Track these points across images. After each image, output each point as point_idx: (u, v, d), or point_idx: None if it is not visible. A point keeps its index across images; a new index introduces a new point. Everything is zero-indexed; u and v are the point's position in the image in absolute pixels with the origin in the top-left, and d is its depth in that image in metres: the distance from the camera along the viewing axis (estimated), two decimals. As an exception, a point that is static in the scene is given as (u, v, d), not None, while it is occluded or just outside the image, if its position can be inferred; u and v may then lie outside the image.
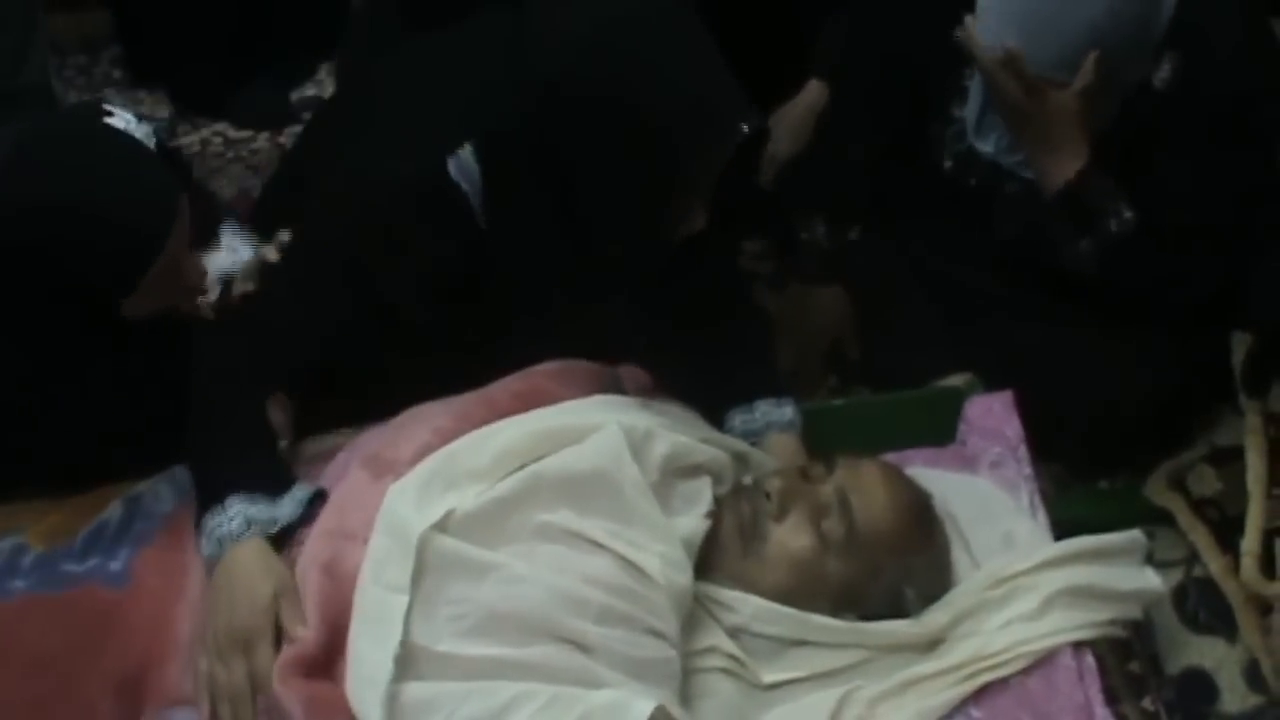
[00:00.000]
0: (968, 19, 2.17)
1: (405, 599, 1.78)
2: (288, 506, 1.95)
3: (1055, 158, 2.22)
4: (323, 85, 3.35)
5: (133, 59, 3.39)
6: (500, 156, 1.99)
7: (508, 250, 2.04)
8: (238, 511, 1.91)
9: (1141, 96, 2.25)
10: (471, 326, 2.10)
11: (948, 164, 2.44)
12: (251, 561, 1.89)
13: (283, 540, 1.94)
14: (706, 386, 2.20)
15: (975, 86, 2.33)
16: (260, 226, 2.22)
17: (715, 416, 2.18)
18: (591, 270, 2.07)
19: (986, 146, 2.35)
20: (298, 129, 3.16)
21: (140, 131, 2.02)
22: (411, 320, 2.07)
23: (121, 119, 2.02)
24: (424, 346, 2.10)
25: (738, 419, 2.18)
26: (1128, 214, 2.22)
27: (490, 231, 2.04)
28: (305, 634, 1.82)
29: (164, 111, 3.31)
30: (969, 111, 2.36)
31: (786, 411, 2.19)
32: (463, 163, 2.00)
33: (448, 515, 1.85)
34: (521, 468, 1.91)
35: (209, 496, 1.94)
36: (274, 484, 1.96)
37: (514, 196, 2.01)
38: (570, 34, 1.89)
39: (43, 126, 2.02)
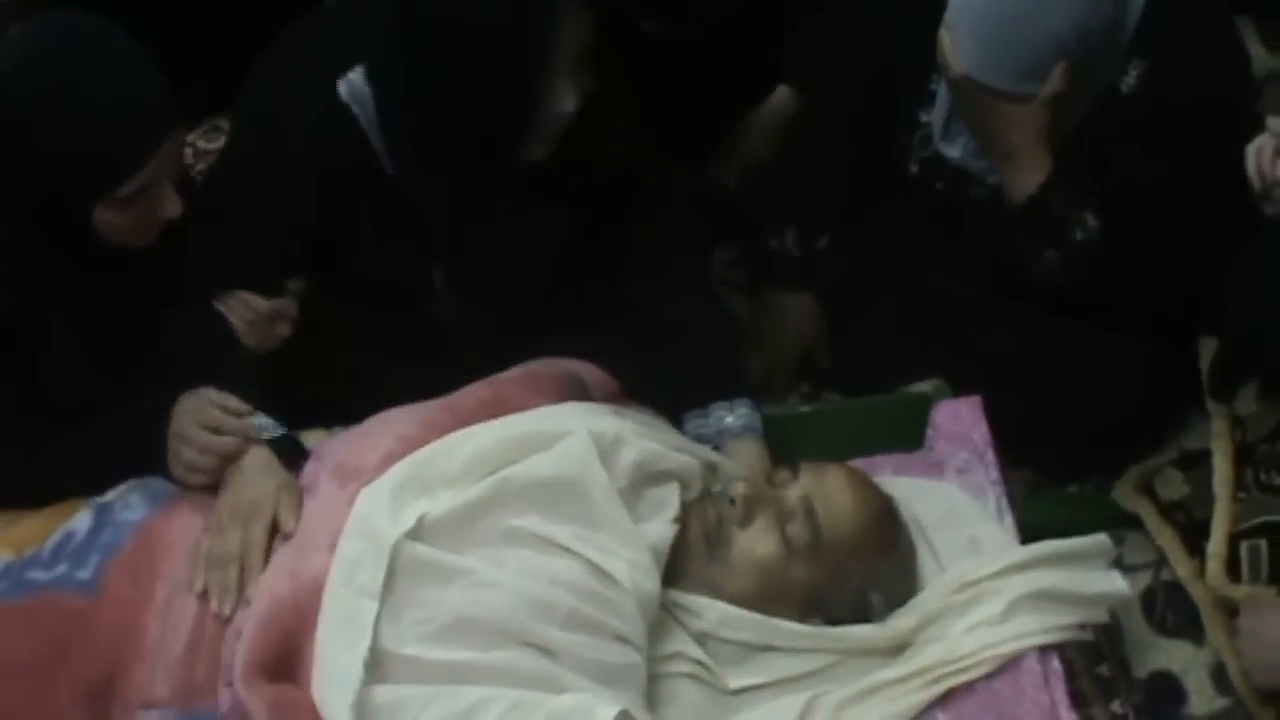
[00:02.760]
0: (941, 30, 2.18)
1: (376, 604, 1.80)
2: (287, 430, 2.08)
3: (1019, 170, 2.23)
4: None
5: None
6: (385, 73, 2.02)
7: (410, 172, 2.08)
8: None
9: (1108, 102, 2.26)
10: (397, 265, 2.15)
11: (914, 169, 2.44)
12: (259, 464, 2.02)
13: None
14: (665, 390, 2.22)
15: (942, 91, 2.34)
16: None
17: (674, 421, 2.19)
18: (492, 184, 2.08)
19: (953, 151, 2.36)
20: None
21: None
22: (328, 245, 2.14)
23: None
24: (357, 292, 2.18)
25: (692, 424, 2.19)
26: (1093, 222, 2.23)
27: (390, 154, 2.07)
28: (292, 527, 1.95)
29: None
30: (935, 116, 2.37)
31: (742, 414, 2.19)
32: (353, 85, 2.04)
33: (419, 521, 1.86)
34: (492, 473, 1.92)
35: None
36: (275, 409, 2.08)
37: (401, 111, 2.03)
38: None
39: (69, 17, 2.01)
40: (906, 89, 2.43)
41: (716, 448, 2.17)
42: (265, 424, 2.07)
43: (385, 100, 2.04)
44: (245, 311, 2.17)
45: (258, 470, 2.01)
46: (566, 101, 2.00)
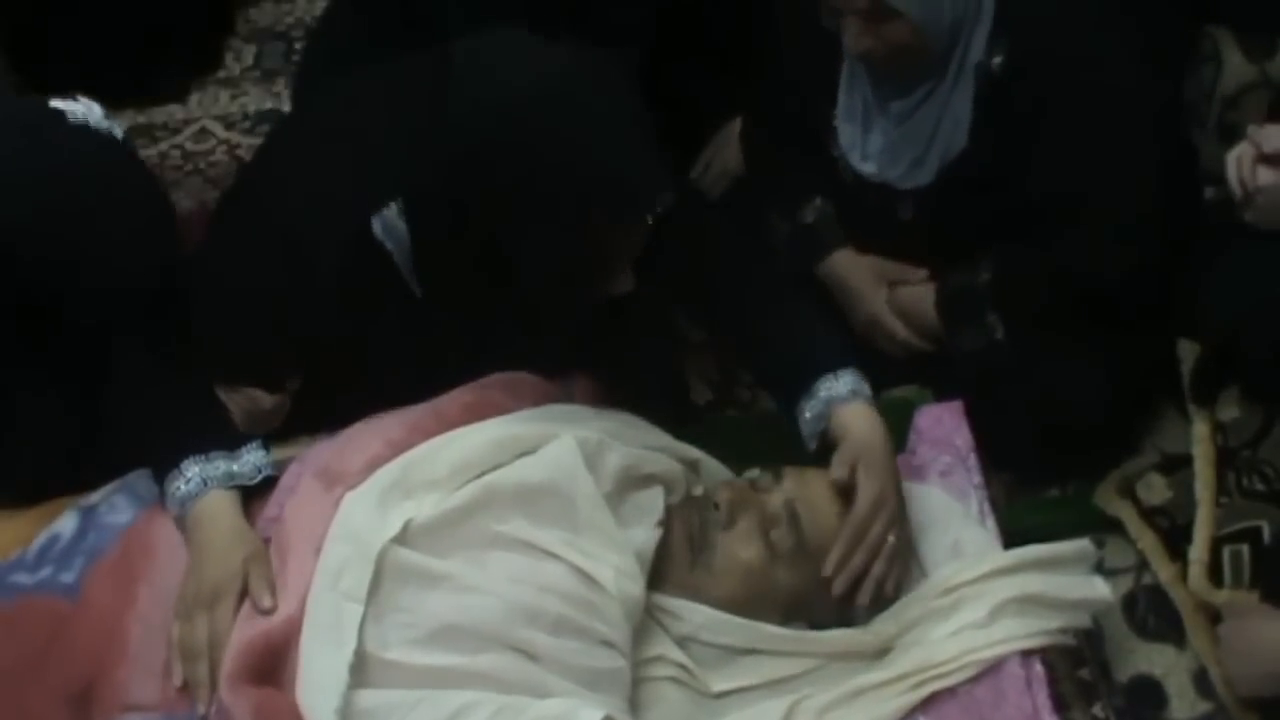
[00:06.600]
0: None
1: (360, 608, 1.80)
2: (244, 464, 2.01)
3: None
4: (279, 99, 3.34)
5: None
6: (425, 215, 1.99)
7: (437, 306, 2.06)
8: (194, 474, 1.97)
9: (984, 81, 2.30)
10: (403, 366, 2.12)
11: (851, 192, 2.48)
12: (223, 528, 1.94)
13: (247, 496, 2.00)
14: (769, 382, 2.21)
15: (842, 120, 2.42)
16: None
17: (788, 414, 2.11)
18: (525, 322, 2.09)
19: (869, 167, 2.41)
20: (255, 141, 3.15)
21: (101, 122, 2.04)
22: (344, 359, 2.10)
23: (83, 106, 2.02)
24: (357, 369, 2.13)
25: (807, 410, 2.08)
26: (996, 326, 2.43)
27: (421, 287, 2.05)
28: (269, 604, 1.86)
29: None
30: (844, 140, 2.43)
31: (847, 380, 2.07)
32: (388, 222, 2.01)
33: (405, 526, 1.86)
34: (478, 477, 1.92)
35: (166, 465, 1.99)
36: (226, 440, 2.02)
37: (440, 255, 2.01)
38: (490, 101, 1.85)
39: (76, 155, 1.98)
40: (817, 125, 2.47)
41: (827, 426, 2.06)
42: (262, 462, 2.02)
43: (433, 252, 2.02)
44: (249, 405, 2.14)
45: (223, 544, 1.93)
46: (626, 283, 1.98)
